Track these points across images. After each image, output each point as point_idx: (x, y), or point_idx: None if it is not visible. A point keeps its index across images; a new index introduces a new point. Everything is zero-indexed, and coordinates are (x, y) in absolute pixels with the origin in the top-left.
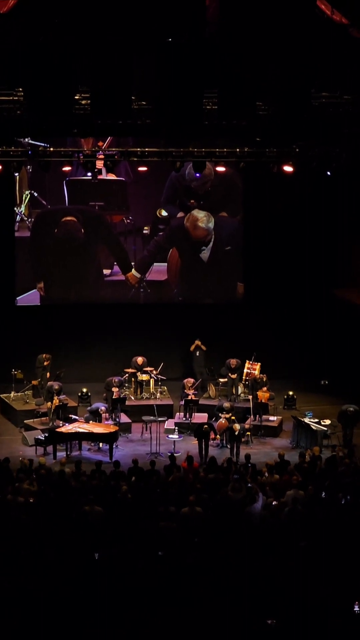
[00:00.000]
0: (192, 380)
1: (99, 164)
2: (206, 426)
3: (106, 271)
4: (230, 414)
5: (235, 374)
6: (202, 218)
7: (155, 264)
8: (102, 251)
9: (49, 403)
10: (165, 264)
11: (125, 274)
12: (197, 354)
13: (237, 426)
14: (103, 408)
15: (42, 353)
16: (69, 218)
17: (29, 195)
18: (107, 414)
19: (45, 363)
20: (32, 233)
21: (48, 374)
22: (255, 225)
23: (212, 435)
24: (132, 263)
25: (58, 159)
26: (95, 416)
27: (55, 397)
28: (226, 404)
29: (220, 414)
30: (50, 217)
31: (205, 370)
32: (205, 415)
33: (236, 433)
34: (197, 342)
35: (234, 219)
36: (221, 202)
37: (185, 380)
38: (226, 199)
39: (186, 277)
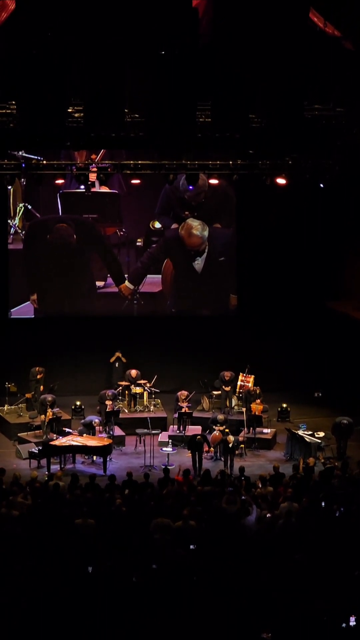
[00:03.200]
0: (185, 392)
1: (92, 177)
2: (199, 437)
3: (100, 283)
4: (224, 427)
5: (229, 387)
6: (196, 226)
7: (148, 275)
8: (95, 263)
9: (43, 416)
10: (159, 276)
11: (118, 286)
12: (117, 365)
13: (231, 438)
14: (97, 421)
15: (36, 366)
16: (62, 225)
17: (23, 208)
18: (100, 427)
19: (38, 376)
20: (25, 242)
21: (42, 387)
22: (249, 237)
23: (205, 448)
24: (126, 275)
25: (51, 172)
26: (89, 429)
27: (49, 410)
28: (220, 416)
29: (214, 427)
30: (43, 225)
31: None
32: (199, 427)
33: (230, 445)
34: (118, 354)
35: (228, 229)
36: (215, 214)
37: (179, 393)
38: (220, 210)
39: (180, 288)
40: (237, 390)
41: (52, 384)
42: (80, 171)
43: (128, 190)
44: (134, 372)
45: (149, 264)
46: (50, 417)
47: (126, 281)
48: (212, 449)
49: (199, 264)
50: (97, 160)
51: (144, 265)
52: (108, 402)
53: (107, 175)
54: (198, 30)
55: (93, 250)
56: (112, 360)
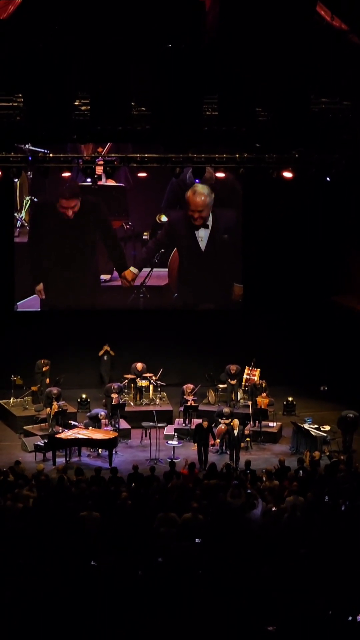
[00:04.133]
0: (191, 386)
1: (99, 170)
2: (205, 421)
3: (105, 276)
4: (230, 420)
5: (235, 380)
6: (203, 188)
7: (155, 269)
8: (101, 257)
9: (48, 409)
10: (165, 269)
11: (121, 273)
12: (105, 358)
13: (236, 422)
14: (103, 414)
15: (41, 359)
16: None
17: (29, 201)
18: (106, 420)
19: (44, 369)
20: (31, 223)
21: (47, 380)
22: (255, 232)
23: (211, 442)
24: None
25: (58, 164)
26: (95, 422)
27: (55, 403)
28: (226, 409)
29: (220, 419)
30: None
31: (111, 375)
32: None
33: (236, 433)
34: (106, 347)
35: (231, 210)
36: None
37: (184, 386)
38: (226, 203)
39: (185, 272)
40: (243, 383)
41: (58, 377)
42: (87, 164)
43: (134, 183)
44: (139, 365)
45: (155, 250)
46: (55, 409)
47: (131, 267)
48: (217, 440)
49: (202, 240)
50: (103, 154)
51: (149, 250)
52: (114, 395)
53: (113, 169)
54: (204, 24)
55: (96, 230)
56: (100, 353)
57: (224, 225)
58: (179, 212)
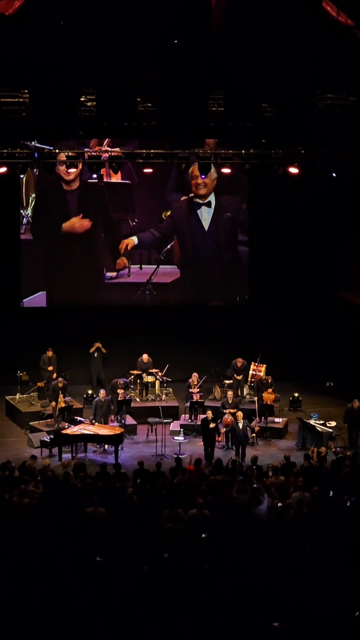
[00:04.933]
0: (196, 375)
1: (102, 170)
2: (209, 412)
3: (112, 274)
4: (235, 410)
5: (241, 375)
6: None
7: (161, 266)
8: (106, 255)
9: (54, 403)
10: (171, 266)
11: (116, 260)
12: (96, 355)
13: (240, 414)
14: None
15: (47, 350)
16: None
17: (35, 199)
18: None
19: (49, 368)
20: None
21: (54, 375)
22: (261, 227)
23: (217, 438)
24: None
25: (63, 160)
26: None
27: (61, 396)
28: (229, 393)
29: (224, 410)
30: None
31: (101, 372)
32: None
33: (240, 424)
34: (98, 344)
35: (235, 197)
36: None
37: (190, 380)
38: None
39: (190, 269)
40: (249, 379)
41: (64, 373)
42: (92, 160)
43: (139, 180)
44: (145, 357)
45: (160, 239)
46: (62, 404)
47: (133, 237)
48: (223, 429)
49: (206, 219)
50: (104, 146)
51: (153, 234)
52: (120, 391)
53: (119, 164)
54: (210, 20)
55: (101, 226)
56: (91, 350)
57: (227, 203)
58: (182, 198)
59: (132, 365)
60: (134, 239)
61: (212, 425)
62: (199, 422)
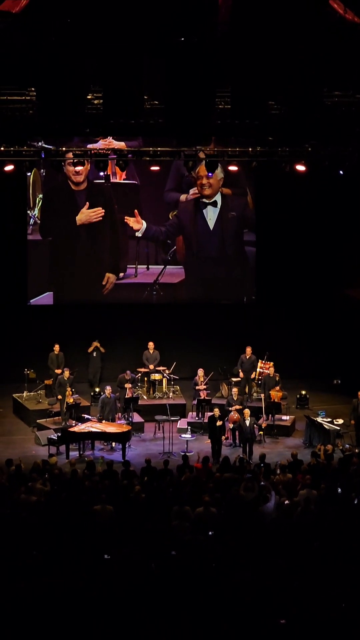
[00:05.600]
0: (202, 371)
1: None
2: (216, 410)
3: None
4: (240, 407)
5: (252, 373)
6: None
7: (168, 266)
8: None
9: (60, 396)
10: (178, 267)
11: (105, 273)
12: (94, 354)
13: (247, 411)
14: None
15: (52, 349)
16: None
17: (42, 199)
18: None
19: (57, 370)
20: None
21: (59, 370)
22: (268, 225)
23: (224, 436)
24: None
25: (70, 158)
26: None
27: (69, 390)
28: (234, 390)
29: (229, 408)
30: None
31: (100, 372)
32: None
33: (247, 421)
34: (96, 344)
35: (240, 197)
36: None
37: (196, 377)
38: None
39: (196, 267)
40: (256, 377)
41: (72, 370)
42: (99, 158)
43: (147, 181)
44: (151, 346)
45: (165, 231)
46: (69, 399)
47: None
48: (231, 424)
49: (211, 218)
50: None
51: (160, 229)
52: (127, 386)
53: (125, 162)
54: (217, 17)
55: (108, 226)
56: (90, 350)
57: (232, 203)
58: (183, 197)
59: (139, 363)
60: (142, 225)
61: (219, 423)
62: (206, 420)
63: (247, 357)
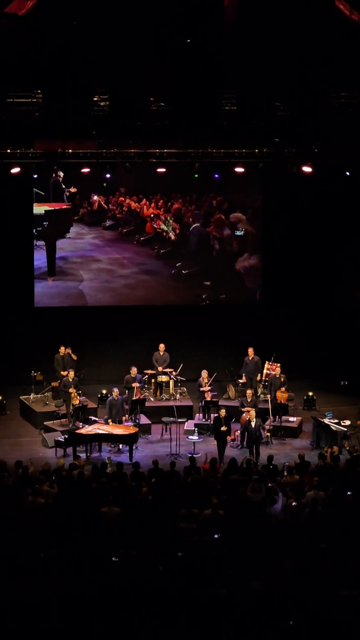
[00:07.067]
0: (206, 372)
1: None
2: (223, 411)
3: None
4: (252, 409)
5: (257, 375)
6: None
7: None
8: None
9: (64, 397)
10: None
11: None
12: (64, 360)
13: (252, 414)
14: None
15: (60, 346)
16: None
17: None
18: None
19: (64, 372)
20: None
21: (65, 372)
22: (274, 226)
23: (230, 437)
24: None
25: (77, 160)
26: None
27: (74, 390)
28: (249, 392)
29: (242, 409)
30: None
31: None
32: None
33: (253, 423)
34: (67, 350)
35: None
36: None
37: (200, 379)
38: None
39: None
40: (263, 378)
41: (79, 372)
42: (107, 160)
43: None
44: (161, 347)
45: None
46: (76, 400)
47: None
48: (238, 431)
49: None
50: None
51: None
52: (135, 385)
53: (133, 165)
54: (223, 19)
55: None
56: (60, 354)
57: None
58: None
59: (146, 364)
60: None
61: (223, 428)
62: (212, 422)
63: (250, 358)
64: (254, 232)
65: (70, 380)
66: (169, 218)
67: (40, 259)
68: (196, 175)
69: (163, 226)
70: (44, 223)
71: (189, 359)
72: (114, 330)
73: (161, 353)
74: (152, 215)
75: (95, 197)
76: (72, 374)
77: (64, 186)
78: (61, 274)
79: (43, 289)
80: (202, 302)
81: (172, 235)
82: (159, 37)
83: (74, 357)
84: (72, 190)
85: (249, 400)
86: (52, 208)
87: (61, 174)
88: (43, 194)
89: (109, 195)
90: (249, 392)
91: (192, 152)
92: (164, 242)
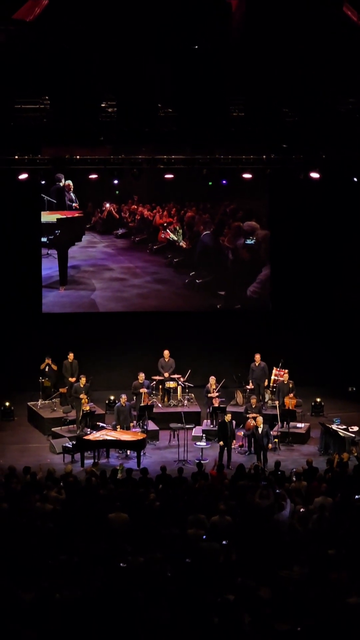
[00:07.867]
0: (214, 379)
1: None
2: (229, 415)
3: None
4: (257, 415)
5: (264, 381)
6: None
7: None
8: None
9: (74, 403)
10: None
11: None
12: (47, 370)
13: (260, 420)
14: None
15: (68, 353)
16: None
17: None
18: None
19: (72, 379)
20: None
21: (73, 379)
22: (283, 232)
23: (236, 443)
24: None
25: (85, 166)
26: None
27: (84, 396)
28: (253, 399)
29: (247, 415)
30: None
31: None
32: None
33: (260, 429)
34: (48, 361)
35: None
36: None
37: (208, 385)
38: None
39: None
40: (271, 384)
41: (87, 379)
42: (114, 166)
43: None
44: (166, 354)
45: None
46: (85, 407)
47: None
48: (244, 432)
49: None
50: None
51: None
52: (143, 390)
53: (140, 171)
54: (231, 25)
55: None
56: (42, 367)
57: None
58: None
59: (153, 371)
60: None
61: (228, 417)
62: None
63: (257, 364)
64: (267, 241)
65: (82, 386)
66: (177, 228)
67: (52, 267)
68: (210, 183)
69: (173, 236)
70: (56, 231)
71: (197, 365)
72: (121, 336)
73: (166, 359)
74: (164, 224)
75: (107, 205)
76: (83, 379)
77: (73, 195)
78: (73, 283)
79: (55, 299)
80: (212, 310)
81: (183, 244)
82: (167, 43)
83: (54, 367)
84: (75, 205)
85: (253, 406)
86: (64, 216)
87: (70, 183)
88: (55, 201)
89: (121, 203)
90: (252, 398)
91: (199, 158)
92: (177, 251)
